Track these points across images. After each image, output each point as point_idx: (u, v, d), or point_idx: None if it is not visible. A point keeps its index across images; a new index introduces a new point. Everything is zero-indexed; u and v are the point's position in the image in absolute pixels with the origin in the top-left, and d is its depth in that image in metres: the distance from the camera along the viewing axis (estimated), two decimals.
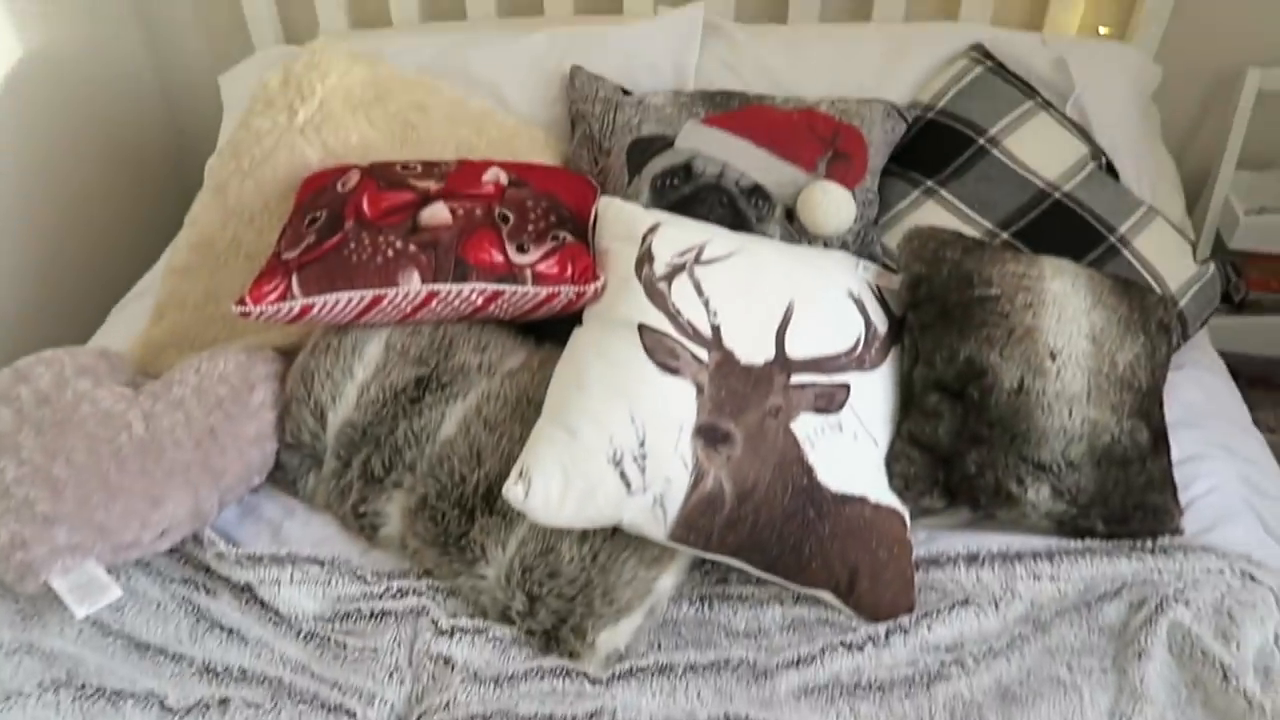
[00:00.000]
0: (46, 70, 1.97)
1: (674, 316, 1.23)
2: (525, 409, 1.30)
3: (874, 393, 1.27)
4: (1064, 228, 1.48)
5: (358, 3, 2.09)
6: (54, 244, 2.03)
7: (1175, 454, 1.28)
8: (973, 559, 1.21)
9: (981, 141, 1.56)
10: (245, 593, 1.23)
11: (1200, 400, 1.43)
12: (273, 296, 1.29)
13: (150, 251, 1.91)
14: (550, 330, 1.42)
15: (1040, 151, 1.56)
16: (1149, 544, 1.21)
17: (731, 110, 1.58)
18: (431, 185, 1.41)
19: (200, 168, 1.91)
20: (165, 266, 1.62)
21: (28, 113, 1.93)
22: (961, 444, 1.22)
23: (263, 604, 1.23)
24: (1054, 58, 1.69)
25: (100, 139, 2.14)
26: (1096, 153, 1.59)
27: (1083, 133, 1.61)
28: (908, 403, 1.29)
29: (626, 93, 1.68)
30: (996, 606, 1.17)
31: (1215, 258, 1.53)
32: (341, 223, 1.35)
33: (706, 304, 1.25)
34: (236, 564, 1.24)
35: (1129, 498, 1.20)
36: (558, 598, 1.16)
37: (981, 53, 1.69)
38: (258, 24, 2.08)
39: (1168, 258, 1.48)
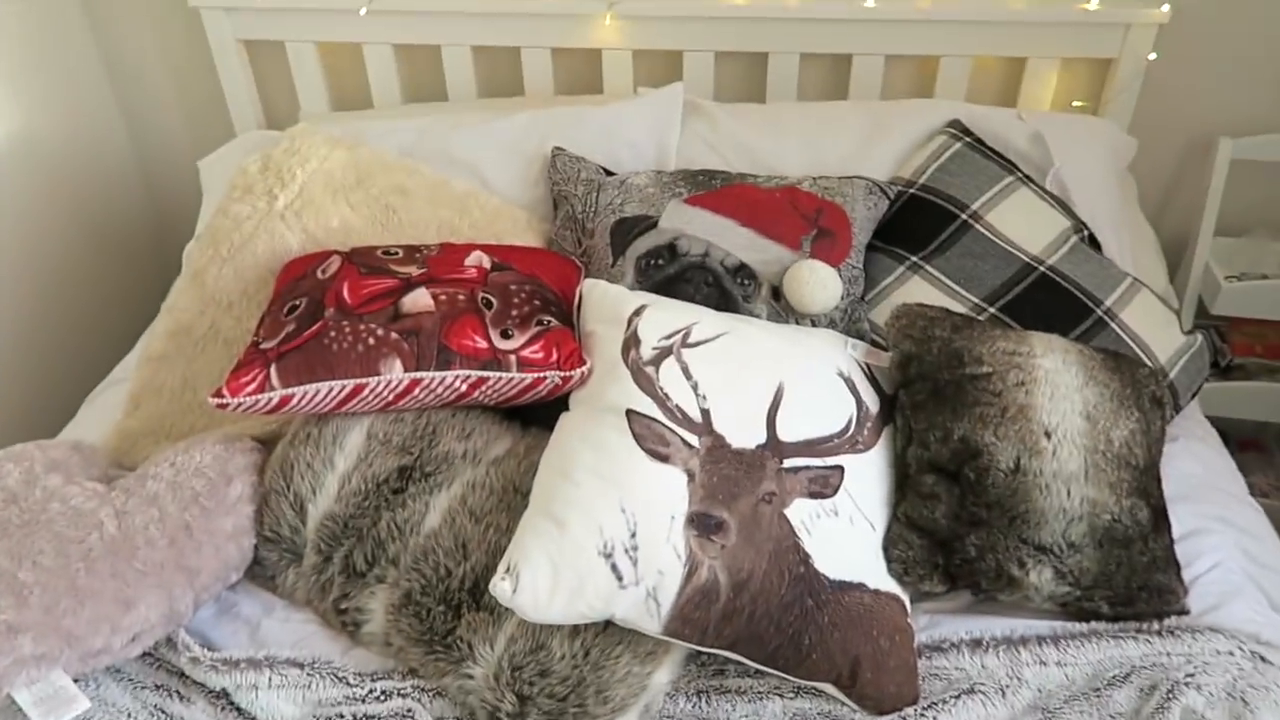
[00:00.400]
0: (25, 152, 1.96)
1: (663, 401, 1.21)
2: (512, 498, 1.27)
3: (869, 474, 1.25)
4: (1050, 301, 1.48)
5: (338, 85, 2.11)
6: (29, 328, 2.00)
7: (1175, 530, 1.26)
8: (976, 644, 1.18)
9: (964, 217, 1.57)
10: (221, 699, 1.18)
11: (1196, 472, 1.42)
12: (251, 388, 1.26)
13: (126, 337, 1.88)
14: (536, 414, 1.40)
15: (1023, 225, 1.56)
16: (1155, 625, 1.18)
17: (714, 189, 1.58)
18: (413, 270, 1.40)
19: (179, 252, 1.89)
20: (142, 354, 1.58)
21: (6, 195, 1.91)
22: (960, 527, 1.19)
23: (239, 711, 1.17)
24: (1031, 132, 1.72)
25: (79, 222, 2.12)
26: (1078, 225, 1.60)
27: (1063, 206, 1.62)
28: (903, 484, 1.26)
29: (609, 173, 1.68)
30: (1004, 694, 1.13)
31: (1200, 326, 1.53)
32: (322, 310, 1.32)
33: (695, 387, 1.23)
34: (212, 669, 1.19)
35: (1133, 578, 1.17)
36: (549, 697, 1.11)
37: (959, 129, 1.71)
38: (239, 107, 2.09)
39: (1155, 329, 1.48)
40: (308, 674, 1.19)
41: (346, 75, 2.09)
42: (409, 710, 1.15)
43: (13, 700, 1.10)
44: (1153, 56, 1.82)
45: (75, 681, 1.13)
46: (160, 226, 2.39)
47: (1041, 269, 1.52)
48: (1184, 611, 1.19)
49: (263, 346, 1.31)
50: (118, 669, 1.21)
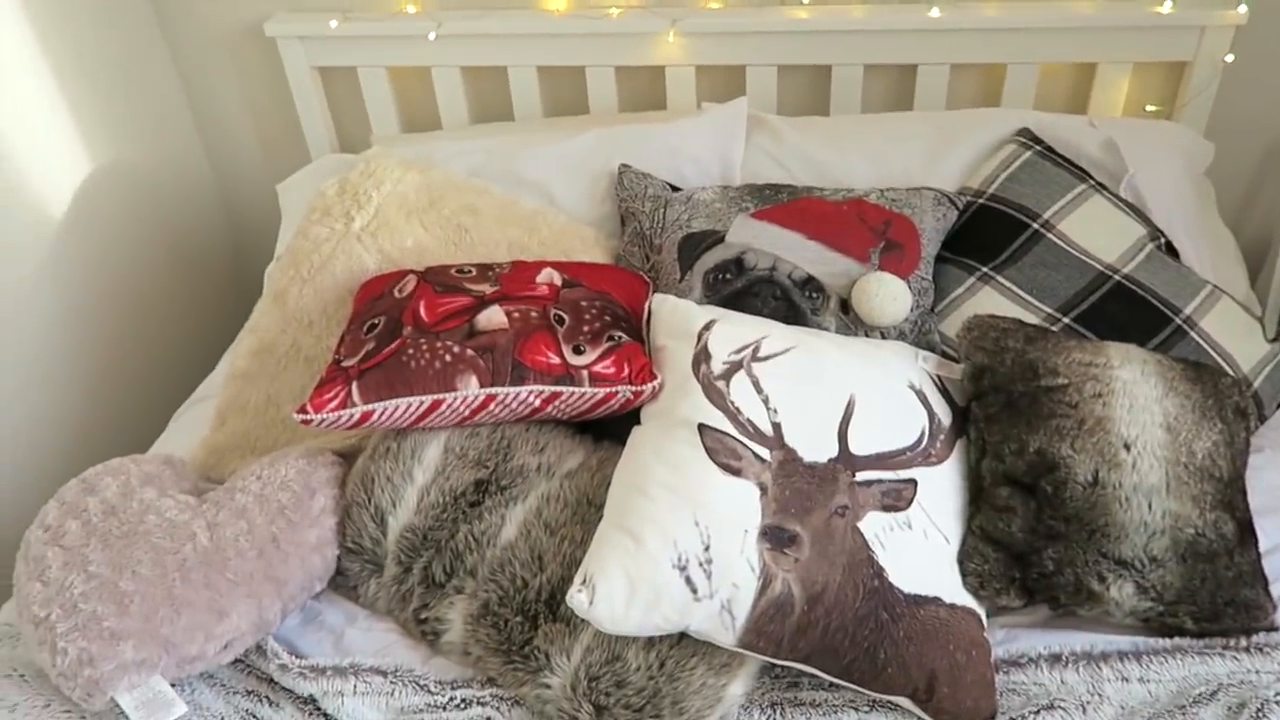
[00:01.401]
0: (114, 181, 2.05)
1: (734, 415, 1.22)
2: (586, 510, 1.29)
3: (942, 488, 1.24)
4: (1127, 311, 1.46)
5: (408, 107, 2.16)
6: (119, 348, 2.08)
7: (1262, 543, 1.23)
8: (1055, 659, 1.16)
9: (1035, 226, 1.55)
10: (309, 705, 1.22)
11: None
12: (333, 404, 1.31)
13: (209, 356, 1.95)
14: (608, 427, 1.42)
15: (1096, 234, 1.54)
16: (1243, 641, 1.15)
17: (780, 203, 1.59)
18: (487, 288, 1.43)
19: (257, 273, 1.96)
20: (227, 372, 1.64)
21: (95, 222, 2.00)
22: (1037, 540, 1.18)
23: (326, 716, 1.21)
24: (1103, 139, 1.69)
25: (164, 246, 2.21)
26: (1154, 233, 1.57)
27: (1138, 213, 1.59)
28: (977, 497, 1.25)
29: (675, 189, 1.70)
30: (1084, 711, 1.12)
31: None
32: (400, 329, 1.36)
33: (766, 401, 1.24)
34: (300, 676, 1.23)
35: (1218, 593, 1.15)
36: (625, 708, 1.12)
37: (1029, 137, 1.69)
38: (313, 131, 2.16)
39: (1237, 338, 1.45)
40: (390, 682, 1.22)
41: (416, 97, 2.15)
42: (488, 718, 1.17)
43: (115, 703, 1.15)
44: (1230, 58, 1.78)
45: (172, 686, 1.18)
46: (239, 249, 2.47)
47: (1117, 278, 1.49)
48: (1273, 628, 1.17)
49: (344, 364, 1.35)
50: (211, 675, 1.25)
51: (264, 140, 2.30)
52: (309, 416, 1.30)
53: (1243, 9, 1.73)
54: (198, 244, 2.33)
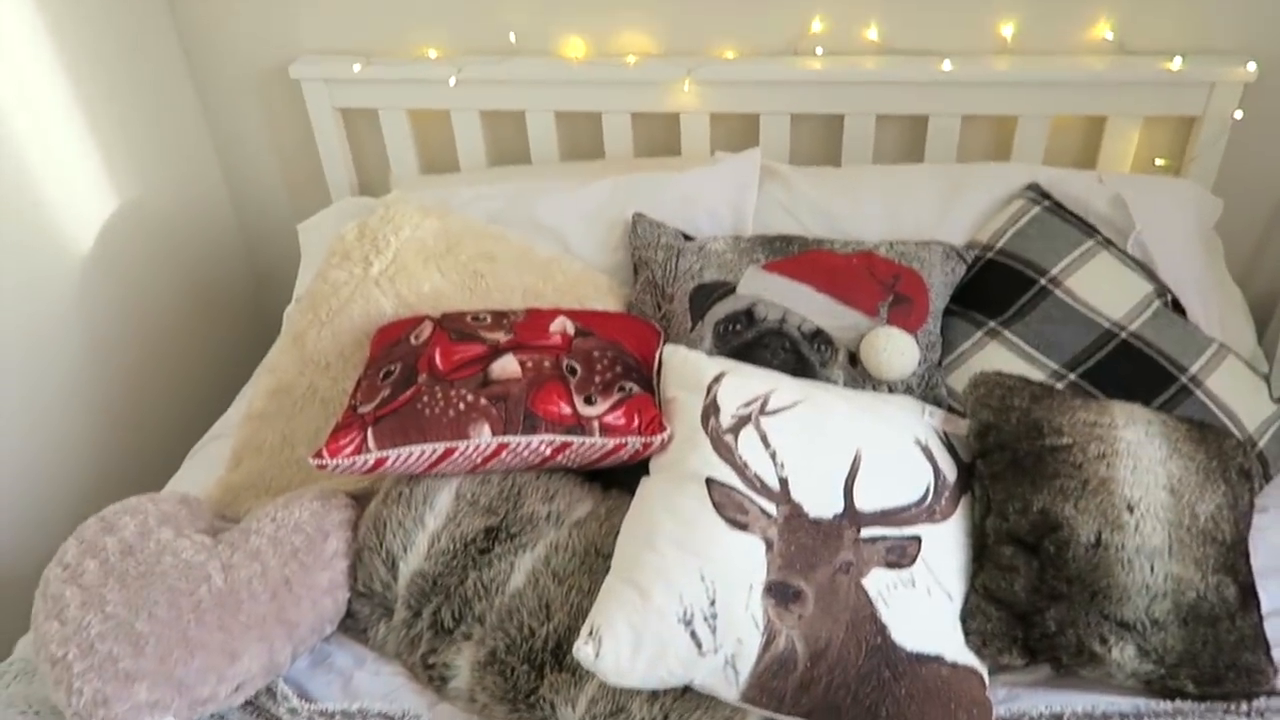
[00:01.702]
0: (139, 218, 2.09)
1: (741, 470, 1.24)
2: (594, 560, 1.30)
3: (946, 545, 1.25)
4: (1133, 368, 1.47)
5: (426, 148, 2.21)
6: (137, 384, 2.12)
7: (1265, 605, 1.23)
8: (1057, 719, 1.17)
9: (1043, 282, 1.57)
10: None
11: None
12: (349, 450, 1.33)
13: (225, 393, 1.98)
14: (617, 475, 1.44)
15: (1104, 290, 1.56)
16: (1244, 705, 1.16)
17: (791, 255, 1.62)
18: (501, 336, 1.46)
19: (276, 311, 2.00)
20: (244, 412, 1.67)
21: (119, 259, 2.05)
22: (1040, 600, 1.19)
23: None
24: (1111, 195, 1.71)
25: (184, 284, 2.25)
26: (1161, 290, 1.59)
27: (1146, 270, 1.61)
28: (980, 554, 1.27)
29: (688, 238, 1.73)
30: None
31: None
32: (415, 376, 1.39)
33: (773, 456, 1.26)
34: None
35: (1220, 657, 1.15)
36: None
37: (1038, 192, 1.71)
38: (334, 171, 2.20)
39: (1243, 397, 1.46)
40: None
41: (435, 138, 2.19)
42: None
43: None
44: (1239, 115, 1.80)
45: None
46: (259, 287, 2.51)
47: (1123, 335, 1.51)
48: (1274, 692, 1.17)
49: (360, 410, 1.38)
50: (222, 716, 1.27)
51: (286, 180, 2.34)
52: (324, 462, 1.33)
53: (1251, 67, 1.75)
54: (218, 282, 2.37)
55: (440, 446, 1.33)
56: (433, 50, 2.07)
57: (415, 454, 1.34)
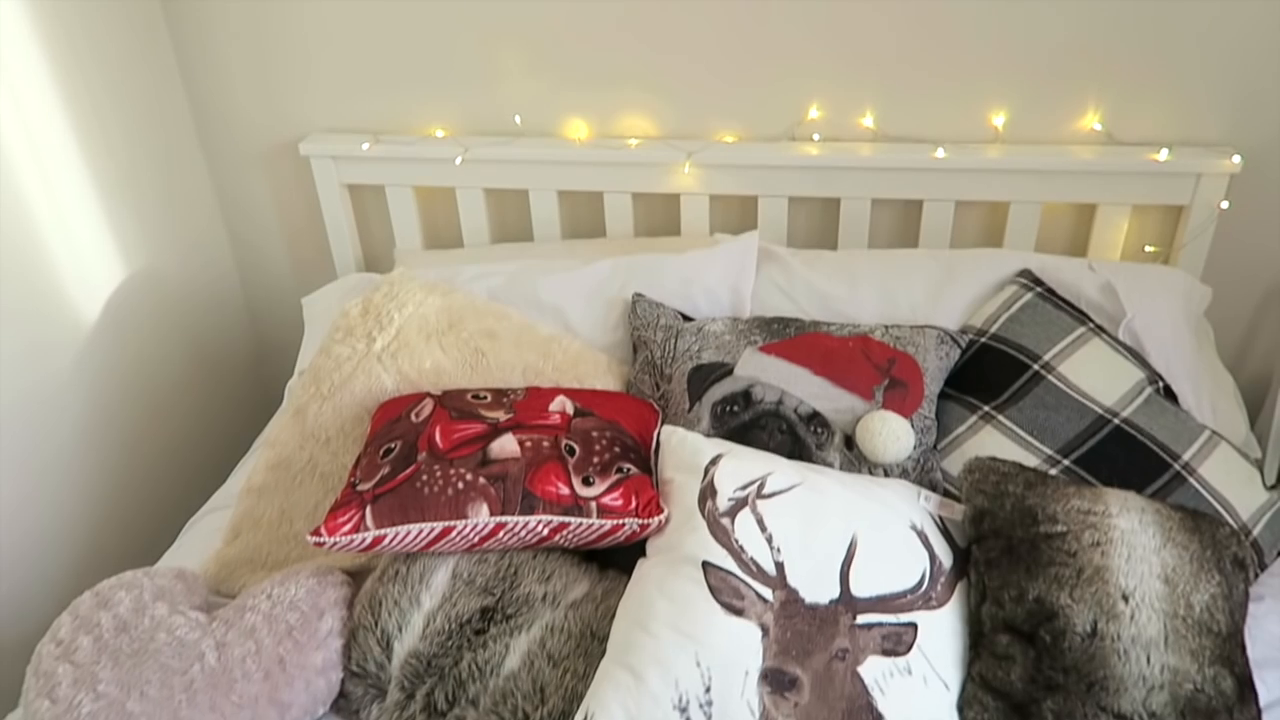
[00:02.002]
0: (145, 288, 2.12)
1: (738, 554, 1.25)
2: (589, 643, 1.30)
3: (942, 632, 1.25)
4: (1126, 456, 1.48)
5: (431, 223, 2.25)
6: (135, 453, 2.13)
7: (1263, 696, 1.23)
8: None
9: (1036, 367, 1.59)
10: None
11: None
12: (347, 528, 1.34)
13: (224, 464, 1.99)
14: (613, 555, 1.44)
15: (1096, 377, 1.58)
16: None
17: (788, 337, 1.64)
18: (501, 415, 1.47)
19: (277, 383, 2.02)
20: (244, 485, 1.68)
21: (124, 328, 2.07)
22: (1036, 690, 1.19)
23: None
24: (1102, 283, 1.74)
25: (187, 354, 2.27)
26: (1153, 377, 1.61)
27: (1137, 357, 1.63)
28: (977, 642, 1.26)
29: (687, 319, 1.76)
30: None
31: None
32: (415, 454, 1.40)
33: (770, 540, 1.26)
34: None
35: None
36: None
37: (1030, 278, 1.75)
38: (340, 245, 2.24)
39: (1236, 485, 1.47)
40: None
41: (440, 214, 2.23)
42: None
43: None
44: (1225, 205, 1.84)
45: None
46: (261, 359, 2.53)
47: (1116, 422, 1.52)
48: None
49: (359, 488, 1.38)
50: None
51: (291, 252, 2.38)
52: (323, 539, 1.33)
53: (1237, 159, 1.81)
54: (221, 353, 2.40)
55: (438, 526, 1.34)
56: (440, 130, 2.13)
57: (413, 533, 1.34)
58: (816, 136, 1.99)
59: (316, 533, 1.34)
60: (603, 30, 1.95)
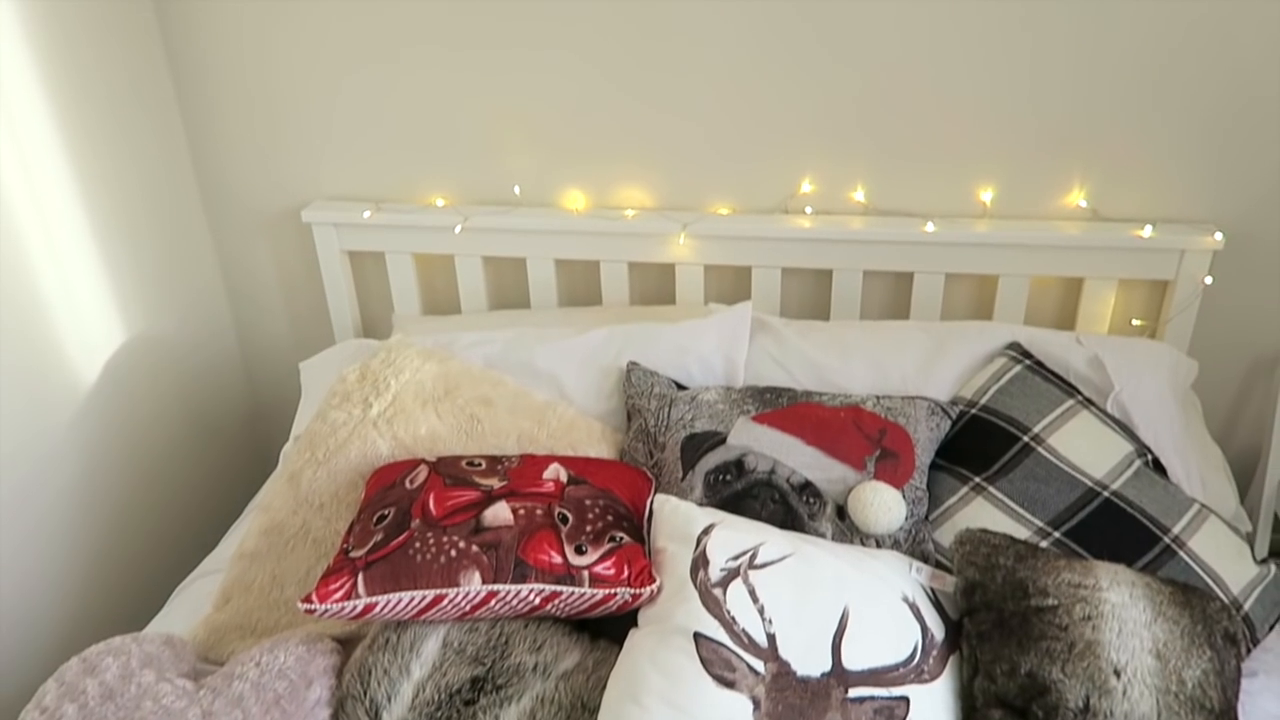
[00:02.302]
0: (144, 350, 2.14)
1: (729, 625, 1.24)
2: (580, 715, 1.29)
3: (935, 706, 1.24)
4: (1116, 528, 1.49)
5: (430, 290, 2.28)
6: (126, 515, 2.12)
7: None
8: None
9: (1026, 439, 1.61)
10: None
11: (1278, 713, 1.37)
12: (338, 595, 1.33)
13: (215, 529, 1.98)
14: (605, 624, 1.43)
15: (1085, 449, 1.59)
16: None
17: (781, 407, 1.66)
18: (495, 482, 1.48)
19: (272, 446, 2.02)
20: (236, 550, 1.67)
21: (122, 389, 2.08)
22: None
23: None
24: (1089, 356, 1.77)
25: (183, 417, 2.28)
26: (1142, 449, 1.62)
27: (1126, 429, 1.65)
28: (969, 716, 1.25)
29: (681, 387, 1.77)
30: None
31: (1274, 557, 1.52)
32: (409, 521, 1.41)
33: (762, 611, 1.26)
34: None
35: None
36: None
37: (1019, 351, 1.77)
38: (339, 313, 2.27)
39: (1226, 559, 1.47)
40: None
41: (438, 281, 2.27)
42: None
43: None
44: (1209, 280, 1.88)
45: None
46: (257, 422, 2.54)
47: (1106, 494, 1.54)
48: None
49: (352, 554, 1.38)
50: None
51: (291, 316, 2.40)
52: (314, 607, 1.33)
53: (1219, 236, 1.85)
54: (218, 416, 2.40)
55: (430, 594, 1.34)
56: (440, 198, 2.17)
57: (404, 600, 1.34)
58: (809, 209, 2.03)
59: (308, 599, 1.33)
60: (601, 105, 2.01)
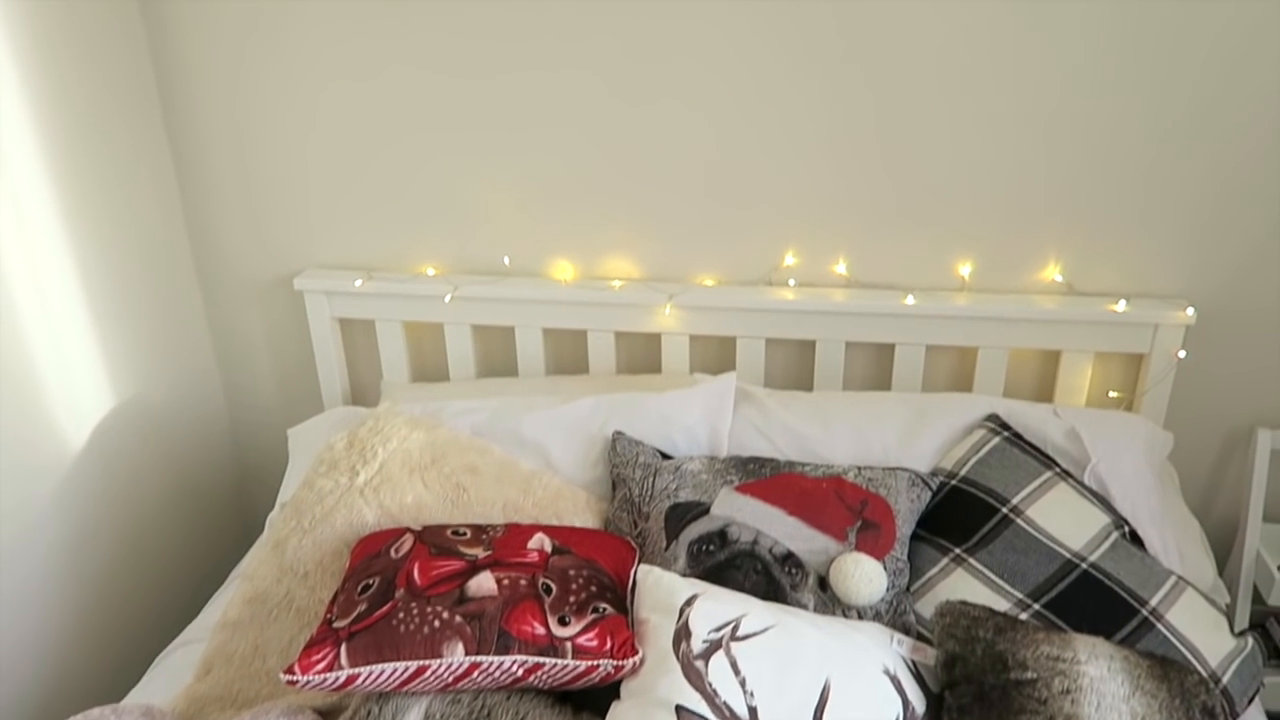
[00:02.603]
0: (132, 415, 2.15)
1: (711, 698, 1.25)
2: None
3: None
4: (1094, 600, 1.50)
5: (418, 357, 2.31)
6: (111, 582, 2.11)
7: None
8: None
9: (1005, 511, 1.63)
10: None
11: None
12: (320, 666, 1.33)
13: (197, 597, 1.97)
14: (588, 697, 1.43)
15: (1063, 521, 1.61)
16: None
17: (764, 477, 1.68)
18: (480, 552, 1.49)
19: (258, 513, 2.02)
20: (219, 619, 1.67)
21: (109, 454, 2.09)
22: None
23: None
24: (1066, 428, 1.80)
25: (170, 483, 2.28)
26: (1119, 521, 1.64)
27: (1103, 502, 1.67)
28: None
29: (665, 456, 1.79)
30: None
31: (1252, 630, 1.53)
32: (393, 591, 1.41)
33: (743, 684, 1.27)
34: None
35: None
36: None
37: (998, 423, 1.80)
38: (329, 380, 2.29)
39: (1203, 631, 1.49)
40: None
41: (427, 348, 2.29)
42: None
43: None
44: (1182, 354, 1.92)
45: None
46: (243, 488, 2.54)
47: (1084, 566, 1.55)
48: None
49: (335, 625, 1.39)
50: None
51: (280, 383, 2.42)
52: (296, 678, 1.33)
53: (1190, 311, 1.89)
54: (204, 482, 2.41)
55: (412, 665, 1.33)
56: (431, 268, 2.21)
57: (387, 672, 1.34)
58: (792, 282, 2.08)
59: (290, 670, 1.33)
60: (588, 179, 2.07)
